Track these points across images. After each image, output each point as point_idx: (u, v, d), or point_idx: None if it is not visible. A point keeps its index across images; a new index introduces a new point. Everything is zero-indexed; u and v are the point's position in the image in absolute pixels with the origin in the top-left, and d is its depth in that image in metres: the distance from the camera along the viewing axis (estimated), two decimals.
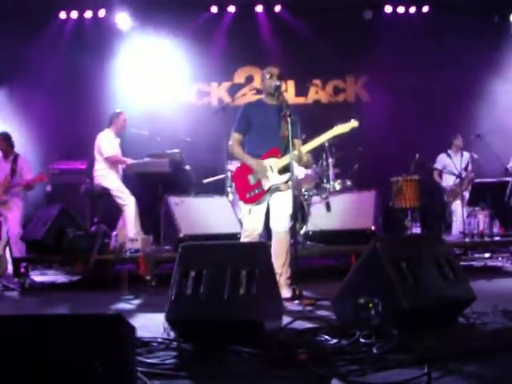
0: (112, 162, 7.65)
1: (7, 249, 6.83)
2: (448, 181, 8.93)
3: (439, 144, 9.27)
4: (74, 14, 10.36)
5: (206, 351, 3.26)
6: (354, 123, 5.38)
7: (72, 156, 9.15)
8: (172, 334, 3.54)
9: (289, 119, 5.05)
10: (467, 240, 7.38)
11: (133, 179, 7.75)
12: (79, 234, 6.70)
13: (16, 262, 6.88)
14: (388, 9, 10.63)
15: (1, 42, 9.40)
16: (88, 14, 10.36)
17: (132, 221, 7.46)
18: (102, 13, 10.31)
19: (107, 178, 7.59)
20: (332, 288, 4.16)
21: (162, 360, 3.13)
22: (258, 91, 5.84)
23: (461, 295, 3.83)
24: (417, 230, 7.84)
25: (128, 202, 7.49)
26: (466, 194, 8.26)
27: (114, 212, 7.72)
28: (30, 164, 8.08)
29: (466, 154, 8.79)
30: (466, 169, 8.71)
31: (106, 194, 7.58)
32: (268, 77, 5.43)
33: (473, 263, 7.45)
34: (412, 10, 10.66)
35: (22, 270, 6.82)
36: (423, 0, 10.54)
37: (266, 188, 5.27)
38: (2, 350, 2.18)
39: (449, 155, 9.06)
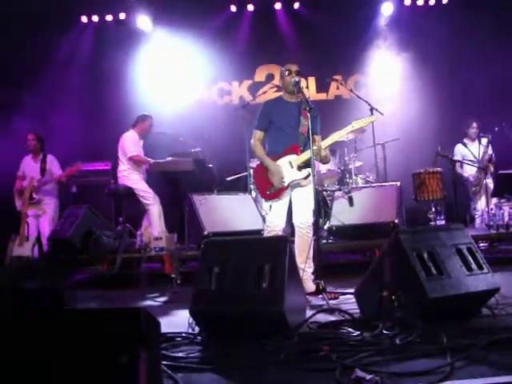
0: (135, 162, 7.73)
1: (35, 248, 6.95)
2: (469, 171, 8.85)
3: (461, 135, 9.21)
4: (95, 18, 10.46)
5: (229, 345, 3.30)
6: (372, 117, 5.39)
7: (96, 157, 9.25)
8: (196, 329, 3.59)
9: (308, 115, 5.06)
10: (493, 231, 7.31)
11: (157, 178, 7.84)
12: (105, 234, 6.81)
13: None
14: (407, 1, 10.55)
15: (26, 46, 9.55)
16: (109, 18, 10.45)
17: (156, 220, 7.53)
18: (122, 16, 10.39)
19: (131, 178, 7.67)
20: (356, 283, 4.17)
21: (186, 354, 3.17)
22: (279, 88, 5.85)
23: (484, 286, 3.81)
24: (441, 222, 7.79)
25: (152, 202, 7.57)
26: (491, 185, 8.19)
27: (139, 211, 7.80)
28: (57, 162, 8.21)
29: (484, 140, 8.70)
30: (484, 154, 8.62)
31: (130, 193, 7.66)
32: (287, 74, 5.45)
33: (499, 255, 7.39)
34: (432, 2, 10.56)
35: None
36: None
37: (286, 184, 5.29)
38: (29, 341, 2.23)
39: (464, 144, 8.98)
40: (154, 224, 7.51)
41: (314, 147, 5.12)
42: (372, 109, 7.23)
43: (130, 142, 7.71)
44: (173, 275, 6.25)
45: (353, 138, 8.07)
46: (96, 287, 6.87)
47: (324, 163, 6.04)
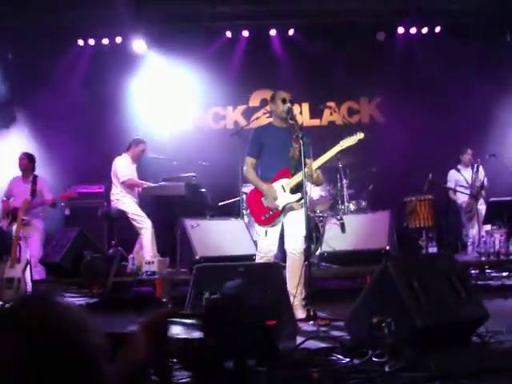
0: (128, 186, 7.76)
1: (27, 271, 6.93)
2: (462, 197, 8.90)
3: (452, 163, 9.29)
4: (92, 41, 10.54)
5: (223, 370, 3.30)
6: (359, 135, 5.43)
7: (90, 180, 9.26)
8: None
9: (301, 142, 5.11)
10: (483, 259, 7.34)
11: (149, 202, 7.86)
12: (97, 257, 6.80)
13: (35, 284, 6.99)
14: (400, 30, 10.68)
15: (22, 68, 9.61)
16: (105, 41, 10.53)
17: (149, 244, 7.53)
18: (118, 39, 10.47)
19: (124, 201, 7.69)
20: (347, 309, 4.19)
21: (177, 380, 3.17)
22: (271, 113, 5.91)
23: (474, 314, 3.84)
24: (433, 249, 7.81)
25: (145, 225, 7.57)
26: (483, 211, 8.24)
27: (131, 235, 7.81)
28: (49, 184, 8.20)
29: (480, 169, 8.77)
30: (475, 180, 8.67)
31: (122, 217, 7.67)
32: (280, 102, 5.49)
33: (490, 282, 7.40)
34: (424, 30, 10.69)
35: None
36: (435, 21, 10.56)
37: (280, 208, 5.32)
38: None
39: (458, 170, 9.05)
40: (146, 248, 7.50)
41: (306, 170, 5.16)
42: (364, 135, 7.27)
43: (123, 166, 7.75)
44: (164, 299, 6.26)
45: (345, 164, 8.12)
46: (87, 311, 6.83)
47: (317, 185, 6.08)
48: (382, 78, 10.33)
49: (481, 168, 8.75)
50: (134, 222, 7.63)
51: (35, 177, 8.02)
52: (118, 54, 10.47)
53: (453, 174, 9.11)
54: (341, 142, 5.40)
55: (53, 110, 9.96)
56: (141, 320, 1.70)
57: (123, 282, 6.77)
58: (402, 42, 10.75)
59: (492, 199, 8.19)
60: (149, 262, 6.99)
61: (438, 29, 10.62)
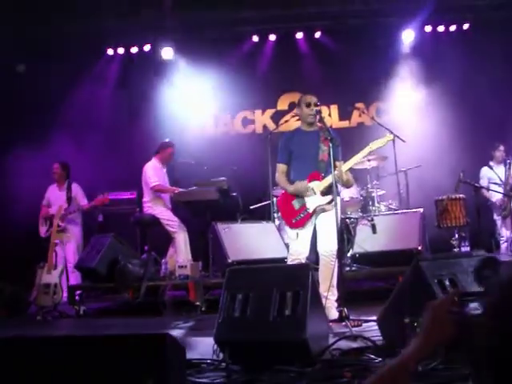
0: (158, 191, 7.88)
1: (63, 276, 7.07)
2: (496, 195, 8.81)
3: (485, 160, 9.22)
4: (121, 50, 10.70)
5: (254, 371, 3.35)
6: (389, 136, 5.45)
7: (122, 186, 9.39)
8: (221, 356, 3.64)
9: (330, 144, 5.14)
10: None
11: (182, 207, 7.94)
12: (131, 262, 6.89)
13: (71, 289, 7.13)
14: (428, 28, 10.62)
15: (54, 81, 9.79)
16: (134, 50, 10.67)
17: (182, 248, 7.63)
18: (147, 48, 10.60)
19: (156, 207, 7.81)
20: (379, 310, 4.19)
21: (211, 380, 3.23)
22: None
23: None
24: (465, 249, 7.76)
25: (177, 230, 7.67)
26: None
27: (163, 240, 7.92)
28: (82, 191, 8.36)
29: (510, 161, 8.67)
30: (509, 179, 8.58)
31: (155, 222, 7.80)
32: (305, 106, 5.52)
33: None
34: (452, 28, 10.61)
35: (77, 297, 7.04)
36: (463, 18, 10.49)
37: (311, 211, 5.36)
38: (59, 368, 2.31)
39: (491, 167, 8.97)
40: (180, 252, 7.60)
41: (336, 172, 5.20)
42: (394, 136, 7.29)
43: (152, 172, 7.87)
44: (197, 303, 6.33)
45: (375, 165, 8.12)
46: (122, 315, 6.96)
47: (347, 187, 6.09)
48: (409, 77, 10.30)
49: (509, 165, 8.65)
50: (166, 227, 7.74)
51: (70, 184, 8.19)
52: (147, 61, 10.63)
53: (485, 171, 9.03)
54: (370, 144, 5.41)
55: (84, 117, 10.16)
56: (430, 303, 1.62)
57: (157, 285, 6.86)
58: (430, 40, 10.69)
59: None
60: (182, 266, 7.06)
61: (466, 26, 10.52)
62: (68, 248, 7.82)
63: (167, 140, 8.20)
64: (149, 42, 10.54)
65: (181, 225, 7.73)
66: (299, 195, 5.42)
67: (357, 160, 5.43)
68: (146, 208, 7.92)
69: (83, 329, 6.07)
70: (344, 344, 3.88)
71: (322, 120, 5.44)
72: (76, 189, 8.22)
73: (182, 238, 7.66)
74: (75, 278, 7.71)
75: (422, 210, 7.15)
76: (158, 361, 2.28)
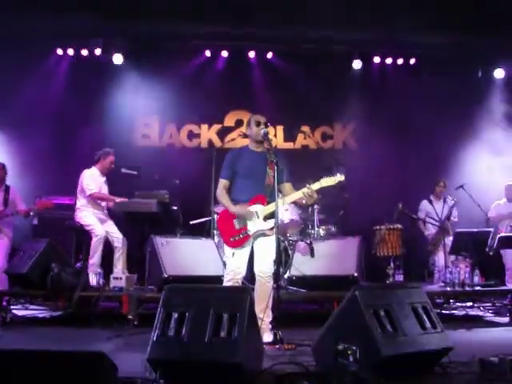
0: (95, 199, 7.77)
1: None
2: (431, 229, 9.08)
3: (424, 192, 9.46)
4: (71, 51, 10.52)
5: None
6: (340, 177, 5.48)
7: (60, 191, 9.17)
8: (153, 375, 3.58)
9: (275, 167, 5.17)
10: (448, 289, 7.44)
11: (120, 217, 7.82)
12: (64, 270, 6.72)
13: None
14: (376, 59, 10.88)
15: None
16: (84, 52, 10.51)
17: (94, 251, 7.55)
18: (97, 51, 10.46)
19: (81, 214, 7.73)
20: (314, 333, 4.21)
21: None
22: (246, 135, 5.93)
23: (438, 344, 3.91)
24: (399, 277, 7.90)
25: (96, 233, 7.57)
26: (449, 242, 8.36)
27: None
28: (20, 195, 8.12)
29: (449, 199, 8.92)
30: (448, 217, 8.81)
31: (84, 230, 7.68)
32: (255, 124, 5.53)
33: (454, 312, 7.52)
34: (400, 61, 10.93)
35: (4, 303, 6.81)
36: (411, 53, 10.81)
37: (251, 233, 5.35)
38: None
39: (430, 201, 9.24)
40: (91, 254, 7.54)
41: (305, 190, 5.26)
42: (337, 163, 7.45)
43: (90, 179, 7.78)
44: (130, 316, 6.22)
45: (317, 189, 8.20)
46: (51, 324, 6.77)
47: (311, 206, 6.13)
48: (356, 105, 10.50)
49: (449, 199, 8.90)
50: (89, 233, 7.64)
51: (8, 187, 7.96)
52: (97, 65, 10.46)
53: (425, 205, 9.31)
54: (321, 180, 5.42)
55: (28, 118, 9.91)
56: None
57: (89, 296, 6.72)
58: (377, 72, 10.95)
59: (458, 230, 8.34)
60: (116, 278, 6.97)
61: (412, 60, 10.89)
62: None
63: (107, 149, 8.08)
64: (100, 45, 10.40)
65: (101, 231, 7.60)
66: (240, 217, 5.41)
67: (303, 194, 5.41)
68: (76, 215, 7.81)
69: (10, 338, 5.86)
70: (278, 368, 3.87)
71: (269, 141, 5.46)
72: (14, 192, 7.98)
73: (95, 242, 7.56)
74: (2, 283, 7.44)
75: (359, 237, 7.26)
76: (88, 378, 2.23)
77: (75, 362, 2.28)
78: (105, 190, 7.99)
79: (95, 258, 7.51)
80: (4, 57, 9.56)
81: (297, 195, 5.39)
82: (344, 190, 8.18)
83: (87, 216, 7.74)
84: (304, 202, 5.46)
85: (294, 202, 5.69)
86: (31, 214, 7.91)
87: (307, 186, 5.33)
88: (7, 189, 7.94)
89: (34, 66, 10.11)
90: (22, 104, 9.83)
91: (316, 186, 5.40)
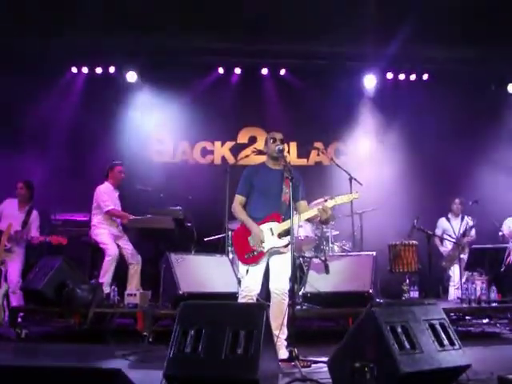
0: (111, 216, 7.80)
1: (4, 297, 6.86)
2: (447, 245, 9.05)
3: (440, 209, 9.43)
4: (85, 70, 10.63)
5: None
6: (355, 195, 5.49)
7: (77, 207, 9.23)
8: None
9: (290, 184, 5.18)
10: (464, 305, 7.39)
11: (135, 234, 7.85)
12: (79, 287, 6.75)
13: (14, 311, 6.92)
14: (389, 75, 10.91)
15: (13, 92, 9.63)
16: (98, 70, 10.62)
17: (106, 271, 7.57)
18: (112, 69, 10.57)
19: (96, 232, 7.77)
20: (329, 350, 4.20)
21: None
22: (259, 151, 5.93)
23: (455, 361, 3.87)
24: (414, 294, 7.85)
25: (109, 253, 7.60)
26: (465, 258, 8.32)
27: (116, 266, 7.77)
28: (38, 221, 8.13)
29: (467, 219, 8.91)
30: (464, 234, 8.79)
31: (99, 247, 7.73)
32: (271, 141, 5.57)
33: (470, 329, 7.46)
34: (412, 77, 10.95)
35: (19, 319, 6.83)
36: (423, 69, 10.82)
37: (265, 250, 5.35)
38: None
39: (448, 219, 9.23)
40: (104, 273, 7.56)
41: (320, 207, 5.28)
42: (351, 178, 7.47)
43: (106, 196, 7.83)
44: (145, 333, 6.22)
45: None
46: (66, 341, 6.78)
47: (326, 224, 6.14)
48: (370, 121, 10.50)
49: (468, 218, 8.88)
50: (105, 251, 7.67)
51: (31, 208, 7.97)
52: (111, 83, 10.58)
53: (442, 222, 9.30)
54: (336, 198, 5.44)
55: (43, 136, 10.01)
56: None
57: (104, 313, 6.73)
58: (390, 87, 10.96)
59: (474, 246, 8.30)
60: (131, 294, 6.97)
61: (425, 76, 10.87)
62: (12, 268, 7.56)
63: (113, 162, 8.15)
64: (114, 63, 10.51)
65: (135, 255, 7.67)
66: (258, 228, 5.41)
67: (318, 211, 5.40)
68: (91, 232, 7.85)
69: (25, 354, 5.87)
70: None
71: (284, 158, 5.48)
72: (35, 217, 8.00)
73: (108, 261, 7.60)
74: (17, 300, 7.46)
75: (374, 253, 7.24)
76: None
77: (93, 378, 2.28)
78: (118, 205, 8.02)
79: (106, 278, 7.53)
80: (20, 76, 9.68)
81: (312, 213, 5.40)
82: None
83: (103, 234, 7.77)
84: (319, 219, 5.45)
85: (310, 220, 5.66)
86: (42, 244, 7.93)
87: (322, 204, 5.34)
88: (30, 211, 7.95)
89: (49, 85, 10.25)
90: (38, 122, 9.94)
91: (331, 203, 5.40)
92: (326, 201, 5.41)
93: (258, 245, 5.35)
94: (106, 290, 7.34)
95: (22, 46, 9.66)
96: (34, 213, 8.01)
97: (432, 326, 3.93)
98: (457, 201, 9.26)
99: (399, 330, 3.76)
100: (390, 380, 3.55)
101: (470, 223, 8.85)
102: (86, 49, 10.04)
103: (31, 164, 9.75)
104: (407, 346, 3.71)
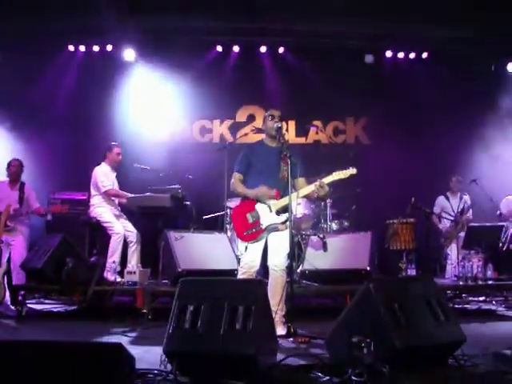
0: (110, 196, 7.82)
1: (5, 276, 6.90)
2: (445, 223, 9.09)
3: (437, 187, 9.46)
4: (82, 48, 10.57)
5: None
6: (352, 170, 5.50)
7: (74, 186, 9.25)
8: (169, 367, 3.62)
9: (289, 161, 5.20)
10: (461, 283, 7.45)
11: (134, 213, 7.87)
12: (79, 265, 6.78)
13: (15, 289, 6.96)
14: (388, 54, 10.86)
15: (10, 71, 9.60)
16: (96, 48, 10.56)
17: (114, 250, 7.57)
18: (109, 47, 10.51)
19: (99, 209, 7.77)
20: (327, 327, 4.25)
21: None
22: (258, 130, 5.93)
23: (451, 337, 3.92)
24: (412, 271, 7.90)
25: (115, 231, 7.61)
26: (462, 235, 8.37)
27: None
28: (34, 192, 8.15)
29: (466, 197, 8.95)
30: (462, 212, 8.83)
31: (100, 226, 7.73)
32: (270, 119, 5.59)
33: (467, 306, 7.52)
34: (412, 55, 10.89)
35: (20, 297, 6.88)
36: (423, 47, 10.76)
37: (263, 227, 5.38)
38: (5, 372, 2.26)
39: (447, 197, 9.26)
40: (112, 253, 7.56)
41: (317, 183, 5.29)
42: (353, 155, 7.48)
43: (103, 176, 7.82)
44: (144, 310, 6.27)
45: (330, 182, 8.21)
46: (66, 319, 6.84)
47: (323, 200, 6.15)
48: (368, 99, 10.47)
49: (466, 197, 8.92)
50: (108, 230, 7.69)
51: (22, 184, 7.97)
52: (109, 61, 10.51)
53: (440, 200, 9.36)
54: (333, 174, 5.45)
55: (40, 114, 9.99)
56: None
57: (104, 290, 6.78)
58: (389, 66, 10.92)
59: (471, 224, 8.34)
60: (130, 272, 7.01)
61: (425, 54, 10.83)
62: (15, 247, 7.59)
63: (111, 142, 8.14)
64: (111, 42, 10.45)
65: (119, 227, 7.65)
66: (258, 203, 5.43)
67: (315, 187, 5.41)
68: (91, 211, 7.86)
69: (26, 331, 5.92)
70: (292, 360, 3.90)
71: (282, 136, 5.49)
72: (29, 190, 7.99)
73: (115, 240, 7.59)
74: (19, 279, 7.49)
75: (372, 231, 7.27)
76: (107, 369, 2.26)
77: (94, 353, 2.31)
78: (116, 185, 8.03)
79: (115, 257, 7.53)
80: (16, 55, 9.67)
81: (309, 189, 5.42)
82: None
83: (105, 213, 7.77)
84: (316, 195, 5.46)
85: (307, 197, 5.67)
86: (46, 214, 7.97)
87: (319, 180, 5.36)
88: (22, 186, 7.94)
89: (45, 64, 10.20)
90: (35, 101, 9.92)
91: (328, 179, 5.42)
92: (323, 177, 5.43)
93: (267, 201, 5.37)
94: (118, 268, 7.40)
95: (20, 24, 9.58)
96: (27, 186, 7.98)
97: (428, 302, 3.97)
98: (454, 179, 9.32)
99: (395, 305, 3.80)
100: (387, 355, 3.59)
101: (468, 202, 8.89)
102: (84, 27, 9.96)
103: (27, 144, 9.76)
104: (403, 321, 3.76)
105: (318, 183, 5.31)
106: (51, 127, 9.91)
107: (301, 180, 5.56)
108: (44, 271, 6.81)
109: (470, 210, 9.03)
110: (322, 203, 8.17)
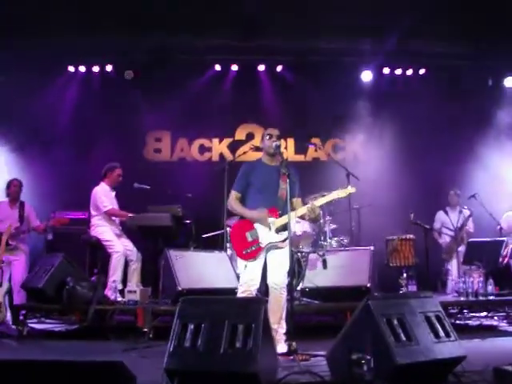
0: (110, 216, 7.83)
1: (7, 296, 6.90)
2: (446, 238, 9.11)
3: (436, 203, 9.49)
4: (82, 68, 10.65)
5: None
6: (351, 189, 5.52)
7: (73, 206, 9.27)
8: None
9: (287, 180, 5.22)
10: (462, 299, 7.44)
11: (134, 232, 7.88)
12: (79, 284, 6.79)
13: (16, 309, 6.96)
14: (386, 70, 10.93)
15: (11, 93, 9.67)
16: (95, 69, 10.65)
17: (115, 269, 7.56)
18: (109, 68, 10.59)
19: (98, 229, 7.78)
20: (327, 344, 4.24)
21: None
22: (257, 148, 5.96)
23: (451, 353, 3.93)
24: (412, 288, 7.90)
25: (116, 250, 7.61)
26: (463, 250, 8.37)
27: None
28: (34, 211, 8.18)
29: (465, 211, 8.95)
30: (462, 226, 8.83)
31: (101, 245, 7.74)
32: (268, 138, 5.60)
33: (468, 322, 7.50)
34: (409, 72, 10.97)
35: (21, 317, 6.88)
36: (420, 63, 10.84)
37: (263, 245, 5.39)
38: None
39: (446, 212, 9.28)
40: (112, 272, 7.54)
41: (309, 205, 5.29)
42: (348, 174, 7.51)
43: (103, 196, 7.83)
44: (145, 329, 6.27)
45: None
46: (67, 338, 6.83)
47: (315, 222, 6.15)
48: (367, 116, 10.53)
49: (466, 211, 8.93)
50: (107, 249, 7.69)
51: (22, 203, 8.01)
52: (108, 81, 10.58)
53: (440, 215, 9.38)
54: (333, 192, 5.47)
55: (40, 134, 10.04)
56: None
57: (105, 309, 6.78)
58: (387, 82, 10.98)
59: (471, 240, 8.35)
60: (131, 291, 7.02)
61: (422, 71, 10.89)
62: (17, 267, 7.61)
63: (113, 163, 8.15)
64: (111, 62, 10.53)
65: (119, 246, 7.64)
66: (256, 223, 5.45)
67: (307, 210, 5.43)
68: (92, 230, 7.87)
69: (27, 351, 5.92)
70: (293, 378, 3.90)
71: (280, 154, 5.53)
72: (29, 208, 8.03)
73: (116, 258, 7.57)
74: (20, 298, 7.50)
75: (372, 247, 7.28)
76: None
77: (95, 371, 2.33)
78: (116, 204, 8.05)
79: (116, 275, 7.52)
80: (16, 76, 9.73)
81: (302, 211, 5.43)
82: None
83: (106, 232, 7.77)
84: (306, 218, 5.49)
85: (301, 218, 5.69)
86: (47, 230, 7.99)
87: (311, 201, 5.37)
88: (22, 205, 7.98)
89: (46, 85, 10.26)
90: (35, 121, 9.98)
91: (322, 200, 5.44)
92: (322, 196, 5.44)
93: (265, 226, 5.38)
94: (119, 287, 7.38)
95: (22, 45, 9.67)
96: (27, 205, 8.03)
97: (428, 318, 3.98)
98: (451, 192, 9.35)
99: (395, 322, 3.81)
100: (387, 371, 3.60)
101: (467, 213, 8.88)
102: (83, 48, 10.05)
103: (28, 164, 9.80)
104: (403, 337, 3.77)
105: (309, 206, 5.32)
106: (52, 148, 9.97)
107: (298, 200, 5.57)
108: (45, 291, 6.83)
109: (471, 221, 9.01)
110: (322, 220, 8.16)
